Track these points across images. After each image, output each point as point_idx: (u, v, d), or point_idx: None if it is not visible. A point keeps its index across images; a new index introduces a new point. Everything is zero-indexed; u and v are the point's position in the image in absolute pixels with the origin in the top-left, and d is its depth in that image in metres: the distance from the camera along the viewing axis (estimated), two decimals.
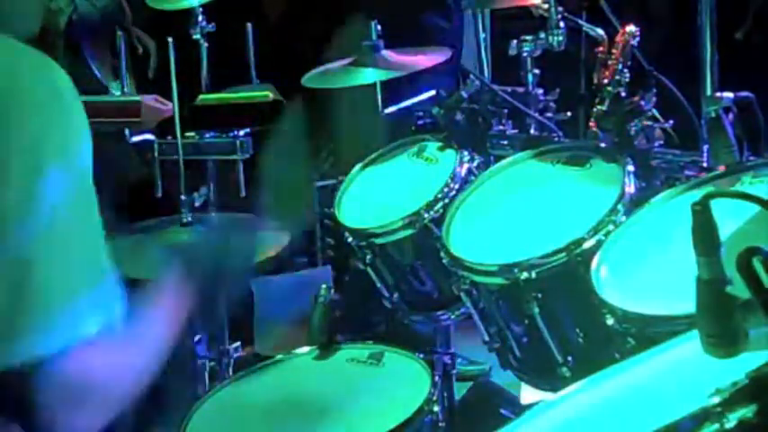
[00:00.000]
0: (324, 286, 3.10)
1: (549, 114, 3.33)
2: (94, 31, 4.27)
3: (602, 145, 2.98)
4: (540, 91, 3.38)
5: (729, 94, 2.80)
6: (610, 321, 2.35)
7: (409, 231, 3.08)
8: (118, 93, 4.04)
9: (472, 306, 2.88)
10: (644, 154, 2.92)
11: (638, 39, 3.08)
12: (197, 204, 3.42)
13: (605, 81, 3.04)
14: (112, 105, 3.65)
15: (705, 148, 2.90)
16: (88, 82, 4.22)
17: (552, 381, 2.71)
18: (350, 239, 3.20)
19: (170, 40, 3.33)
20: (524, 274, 2.64)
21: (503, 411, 3.40)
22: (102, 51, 4.32)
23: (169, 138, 3.57)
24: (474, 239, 2.87)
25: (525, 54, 3.36)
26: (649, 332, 2.22)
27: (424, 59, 3.55)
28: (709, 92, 2.87)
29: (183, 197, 3.35)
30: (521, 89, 3.40)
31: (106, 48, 4.31)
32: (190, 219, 3.33)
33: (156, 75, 4.41)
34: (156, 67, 4.44)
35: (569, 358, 2.69)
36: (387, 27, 3.48)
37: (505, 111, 3.37)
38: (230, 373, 3.40)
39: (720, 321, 1.40)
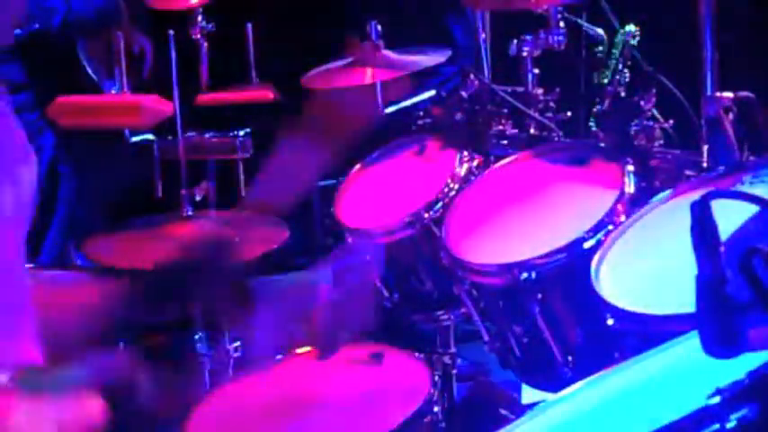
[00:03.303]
0: (324, 286, 3.10)
1: (549, 114, 3.33)
2: (90, 30, 4.27)
3: (602, 145, 2.98)
4: (540, 91, 3.38)
5: (729, 94, 2.80)
6: (610, 321, 2.35)
7: (409, 231, 3.08)
8: (114, 93, 4.04)
9: (472, 306, 2.88)
10: (644, 154, 2.92)
11: (637, 39, 3.08)
12: (197, 199, 3.42)
13: (605, 81, 3.04)
14: (112, 105, 3.65)
15: (705, 148, 2.90)
16: (85, 82, 4.22)
17: (553, 381, 2.71)
18: (350, 239, 3.20)
19: (171, 32, 3.33)
20: (524, 274, 2.64)
21: (503, 411, 3.40)
22: (97, 51, 4.32)
23: (169, 137, 3.57)
24: (474, 239, 2.87)
25: (525, 54, 3.36)
26: (649, 332, 2.22)
27: (424, 59, 3.55)
28: (709, 92, 2.87)
29: (183, 191, 3.36)
30: (521, 89, 3.40)
31: (102, 48, 4.31)
32: (190, 213, 3.34)
33: (152, 75, 4.41)
34: (151, 68, 4.44)
35: (570, 358, 2.69)
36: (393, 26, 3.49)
37: (505, 111, 3.37)
38: (230, 373, 3.40)
39: (720, 321, 1.39)
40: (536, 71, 3.38)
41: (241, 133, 3.64)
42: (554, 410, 1.81)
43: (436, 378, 2.70)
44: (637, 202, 2.68)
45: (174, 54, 3.32)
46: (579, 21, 3.41)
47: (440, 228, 2.95)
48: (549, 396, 1.88)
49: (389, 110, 3.76)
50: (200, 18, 3.80)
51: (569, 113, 3.35)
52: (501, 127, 3.36)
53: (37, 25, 4.04)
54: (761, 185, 2.51)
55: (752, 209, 1.45)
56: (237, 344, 3.51)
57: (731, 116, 2.76)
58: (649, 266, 2.44)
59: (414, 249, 3.12)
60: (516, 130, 3.36)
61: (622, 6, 3.40)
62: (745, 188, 2.50)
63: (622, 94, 3.02)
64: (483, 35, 3.75)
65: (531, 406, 1.84)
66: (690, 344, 1.71)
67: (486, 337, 2.91)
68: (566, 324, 2.70)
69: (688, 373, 1.69)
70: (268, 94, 3.78)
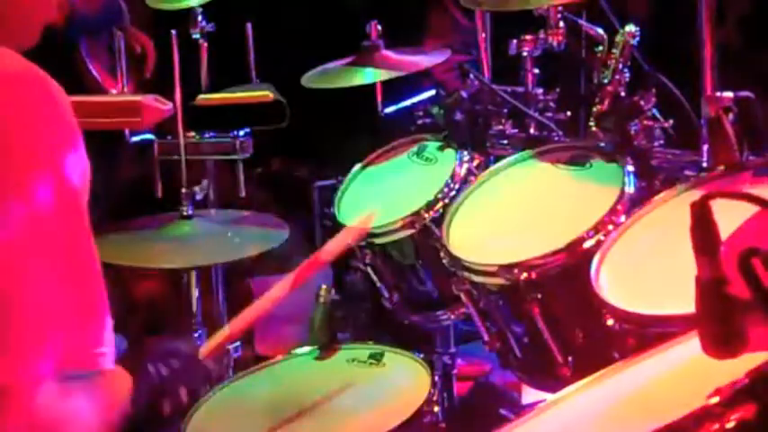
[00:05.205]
0: (324, 286, 3.10)
1: (549, 114, 3.33)
2: (92, 30, 4.27)
3: (602, 145, 2.98)
4: (540, 91, 3.38)
5: (729, 94, 2.79)
6: (610, 321, 2.35)
7: (409, 231, 3.08)
8: (115, 93, 4.05)
9: (472, 306, 2.88)
10: (644, 154, 2.92)
11: (638, 39, 3.08)
12: (198, 198, 3.42)
13: (605, 81, 3.04)
14: (112, 105, 3.64)
15: (705, 148, 2.90)
16: (86, 82, 4.22)
17: (552, 381, 2.71)
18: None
19: (173, 32, 3.33)
20: (524, 274, 2.64)
21: (503, 411, 3.40)
22: (99, 51, 4.32)
23: (169, 137, 3.57)
24: (474, 239, 2.87)
25: (525, 54, 3.36)
26: (649, 332, 2.22)
27: (424, 59, 3.55)
28: (709, 92, 2.87)
29: (183, 190, 3.36)
30: (521, 89, 3.40)
31: (104, 48, 4.31)
32: (191, 212, 3.34)
33: (154, 75, 4.42)
34: (153, 68, 4.44)
35: (569, 358, 2.69)
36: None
37: (505, 111, 3.37)
38: (230, 373, 3.40)
39: (720, 321, 1.40)
40: (536, 71, 3.38)
41: (241, 133, 3.64)
42: (554, 410, 1.81)
43: (436, 378, 2.70)
44: (637, 202, 2.68)
45: (176, 54, 3.32)
46: (579, 21, 3.41)
47: (440, 228, 2.95)
48: (549, 396, 1.88)
49: (389, 110, 3.76)
50: (200, 18, 3.80)
51: (569, 113, 3.35)
52: (501, 127, 3.36)
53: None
54: (761, 185, 2.51)
55: (752, 209, 1.45)
56: (237, 344, 3.52)
57: (731, 116, 2.76)
58: (649, 267, 2.44)
59: (414, 249, 3.12)
60: (516, 130, 3.36)
61: (622, 6, 3.41)
62: (746, 188, 2.50)
63: (622, 94, 3.02)
64: (483, 35, 3.74)
65: (531, 406, 1.84)
66: (690, 344, 1.71)
67: (486, 337, 2.91)
68: (565, 324, 2.70)
69: (688, 373, 1.69)
70: (268, 94, 3.78)
